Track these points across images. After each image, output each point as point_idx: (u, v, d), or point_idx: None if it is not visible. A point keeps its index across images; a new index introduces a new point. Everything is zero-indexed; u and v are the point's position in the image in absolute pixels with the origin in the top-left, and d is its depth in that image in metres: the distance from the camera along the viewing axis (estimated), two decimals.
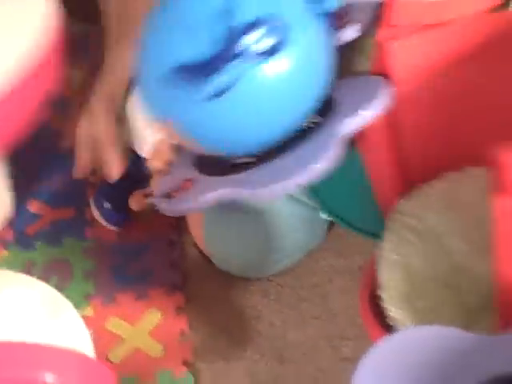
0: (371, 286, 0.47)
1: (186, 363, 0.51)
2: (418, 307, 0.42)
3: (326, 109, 0.46)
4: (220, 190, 0.44)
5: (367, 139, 0.48)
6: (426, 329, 0.37)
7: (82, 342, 0.42)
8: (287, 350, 0.51)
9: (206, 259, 0.57)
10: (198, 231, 0.56)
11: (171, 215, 0.48)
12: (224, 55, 0.39)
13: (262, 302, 0.54)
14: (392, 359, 0.36)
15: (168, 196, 0.47)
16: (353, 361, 0.50)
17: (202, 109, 0.41)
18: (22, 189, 0.62)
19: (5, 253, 0.60)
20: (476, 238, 0.42)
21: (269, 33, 0.40)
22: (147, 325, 0.53)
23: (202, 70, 0.40)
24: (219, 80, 0.39)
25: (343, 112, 0.45)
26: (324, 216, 0.54)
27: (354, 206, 0.53)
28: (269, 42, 0.40)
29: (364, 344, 0.51)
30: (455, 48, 0.46)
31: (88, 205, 0.63)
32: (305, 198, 0.54)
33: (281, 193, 0.43)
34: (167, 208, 0.46)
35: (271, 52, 0.40)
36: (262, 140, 0.44)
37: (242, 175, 0.45)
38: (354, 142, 0.48)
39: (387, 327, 0.44)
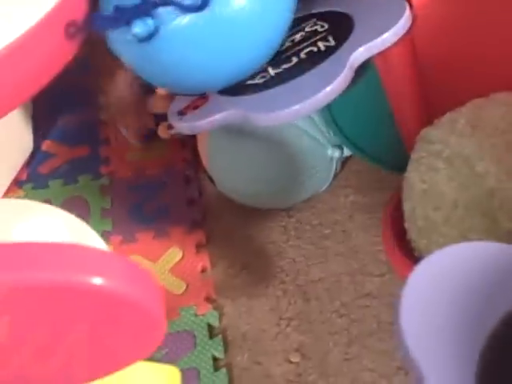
0: (394, 220, 0.47)
1: (208, 299, 0.50)
2: (448, 236, 0.41)
3: (344, 29, 0.45)
4: (227, 112, 0.44)
5: (387, 63, 0.47)
6: (466, 246, 0.36)
7: None
8: (310, 286, 0.51)
9: (224, 195, 0.56)
10: (204, 155, 0.56)
11: (184, 133, 0.48)
12: (150, 1, 0.41)
13: (282, 238, 0.54)
14: (435, 280, 0.34)
15: (182, 113, 0.46)
16: (376, 296, 0.51)
17: (138, 50, 0.43)
18: (34, 129, 0.62)
19: (20, 192, 0.59)
20: (508, 161, 0.41)
21: None
22: (168, 262, 0.53)
23: (131, 12, 0.41)
24: (144, 24, 0.41)
25: (362, 33, 0.44)
26: (335, 154, 0.54)
27: (377, 139, 0.53)
28: None
29: (387, 280, 0.51)
30: None
31: (102, 143, 0.62)
32: (317, 135, 0.53)
33: (289, 118, 0.42)
34: (178, 125, 0.46)
35: (200, 5, 0.41)
36: (213, 81, 0.44)
37: (252, 97, 0.44)
38: (375, 71, 0.48)
39: (414, 261, 0.44)
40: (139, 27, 0.41)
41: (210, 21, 0.41)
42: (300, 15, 0.49)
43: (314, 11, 0.49)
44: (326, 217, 0.55)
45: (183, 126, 0.45)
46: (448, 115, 0.45)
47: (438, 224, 0.42)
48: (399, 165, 0.47)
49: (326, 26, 0.47)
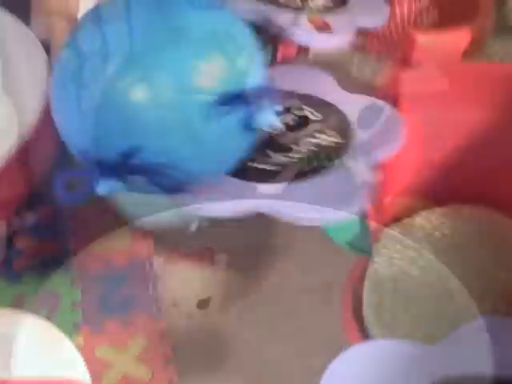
0: (353, 302, 0.50)
1: None
2: (410, 337, 0.44)
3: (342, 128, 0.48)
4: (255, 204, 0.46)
5: None
6: (380, 343, 0.41)
7: (78, 370, 0.47)
8: (262, 367, 0.56)
9: None
10: None
11: None
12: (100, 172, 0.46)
13: (238, 321, 0.59)
14: (348, 376, 0.40)
15: None
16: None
17: None
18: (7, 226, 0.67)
19: None
20: (473, 279, 0.45)
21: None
22: (134, 350, 0.58)
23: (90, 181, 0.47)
24: (108, 184, 0.46)
25: (366, 155, 0.47)
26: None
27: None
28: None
29: (333, 358, 0.56)
30: (457, 89, 0.48)
31: (72, 235, 0.67)
32: None
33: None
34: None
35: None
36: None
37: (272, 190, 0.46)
38: None
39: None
40: (103, 188, 0.46)
41: None
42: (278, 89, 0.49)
43: (291, 89, 0.51)
44: (274, 299, 0.60)
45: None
46: (418, 221, 0.49)
47: (404, 324, 0.45)
48: (362, 248, 0.51)
49: (320, 117, 0.48)
